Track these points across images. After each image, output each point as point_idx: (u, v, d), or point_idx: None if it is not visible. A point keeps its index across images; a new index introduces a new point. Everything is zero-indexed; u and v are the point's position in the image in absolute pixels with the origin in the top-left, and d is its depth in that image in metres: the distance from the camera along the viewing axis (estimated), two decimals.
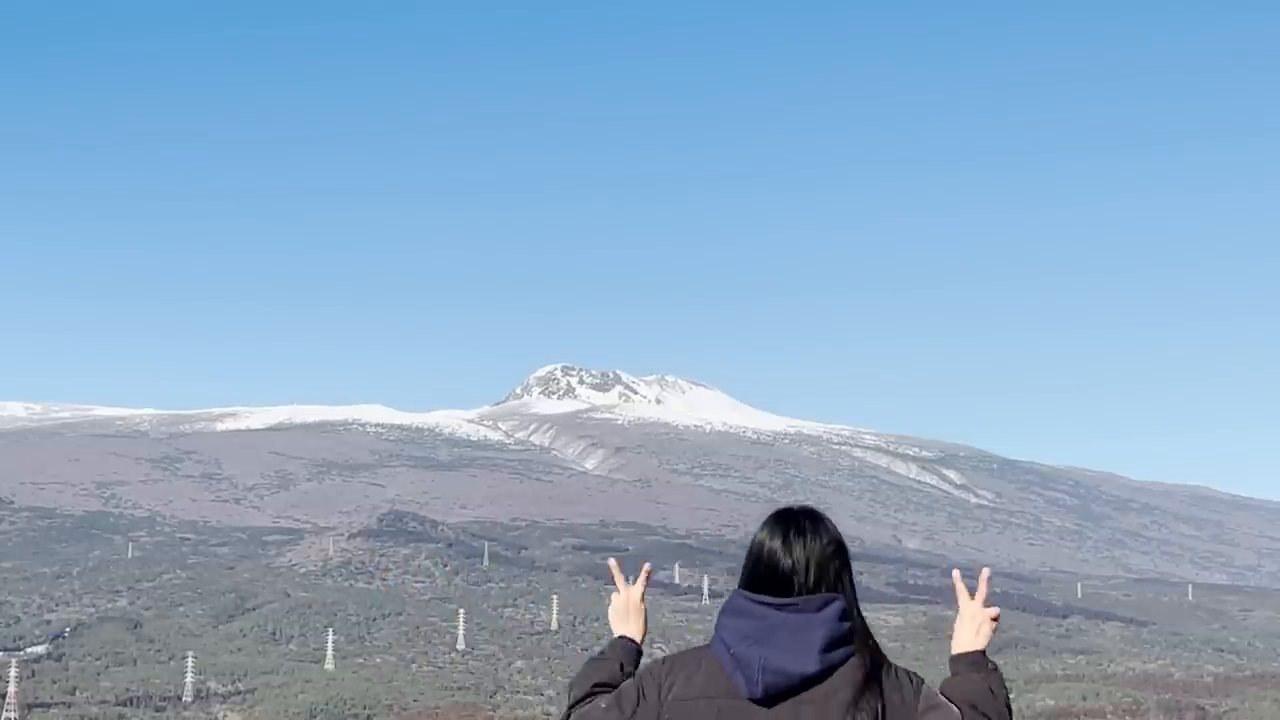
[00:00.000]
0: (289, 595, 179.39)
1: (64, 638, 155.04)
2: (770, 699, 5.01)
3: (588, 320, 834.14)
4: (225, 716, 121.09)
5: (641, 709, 5.23)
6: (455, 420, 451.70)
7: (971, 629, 5.38)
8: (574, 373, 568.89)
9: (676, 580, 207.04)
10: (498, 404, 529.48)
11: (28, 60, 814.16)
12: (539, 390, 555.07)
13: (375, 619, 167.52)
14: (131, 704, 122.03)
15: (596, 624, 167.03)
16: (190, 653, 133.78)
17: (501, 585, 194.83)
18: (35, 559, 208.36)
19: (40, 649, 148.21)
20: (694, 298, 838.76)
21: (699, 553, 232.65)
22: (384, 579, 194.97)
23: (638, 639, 5.86)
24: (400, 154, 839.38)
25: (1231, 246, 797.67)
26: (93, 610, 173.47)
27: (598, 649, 5.90)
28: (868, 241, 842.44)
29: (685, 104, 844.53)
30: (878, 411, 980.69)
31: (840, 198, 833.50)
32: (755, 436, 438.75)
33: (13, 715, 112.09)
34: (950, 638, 5.44)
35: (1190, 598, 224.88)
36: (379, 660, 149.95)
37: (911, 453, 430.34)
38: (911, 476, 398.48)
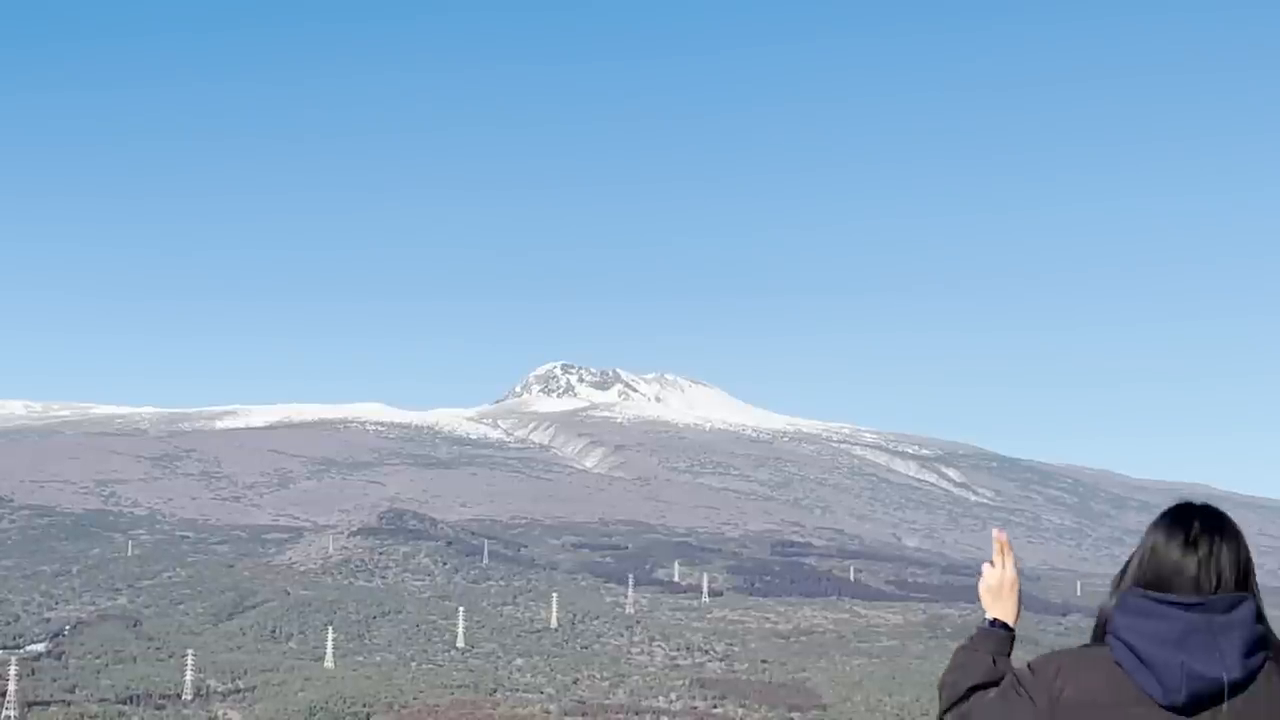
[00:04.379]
0: (289, 593, 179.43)
1: (64, 636, 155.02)
2: (1191, 706, 4.64)
3: (587, 319, 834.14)
4: (225, 714, 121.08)
5: (1033, 715, 4.86)
6: (455, 418, 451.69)
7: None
8: (573, 371, 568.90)
9: (676, 578, 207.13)
10: (497, 402, 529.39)
11: (27, 60, 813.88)
12: (538, 388, 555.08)
13: (375, 617, 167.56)
14: (131, 702, 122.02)
15: (596, 622, 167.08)
16: (190, 651, 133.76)
17: (501, 583, 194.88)
18: (35, 557, 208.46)
19: (40, 647, 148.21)
20: (694, 297, 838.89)
21: (698, 551, 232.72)
22: (384, 577, 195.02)
23: (1010, 621, 5.38)
24: (399, 152, 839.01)
25: (1231, 245, 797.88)
26: (93, 608, 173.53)
27: (966, 636, 5.40)
28: (867, 240, 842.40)
29: (685, 103, 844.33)
30: (877, 409, 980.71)
31: (840, 197, 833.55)
32: (755, 435, 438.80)
33: (12, 713, 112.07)
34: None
35: None
36: (379, 658, 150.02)
37: (911, 451, 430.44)
38: (911, 474, 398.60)
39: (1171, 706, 4.66)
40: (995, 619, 5.37)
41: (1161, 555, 4.89)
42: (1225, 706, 4.65)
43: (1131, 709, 4.70)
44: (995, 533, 5.51)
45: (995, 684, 5.09)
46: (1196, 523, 4.91)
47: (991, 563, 5.48)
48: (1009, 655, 5.30)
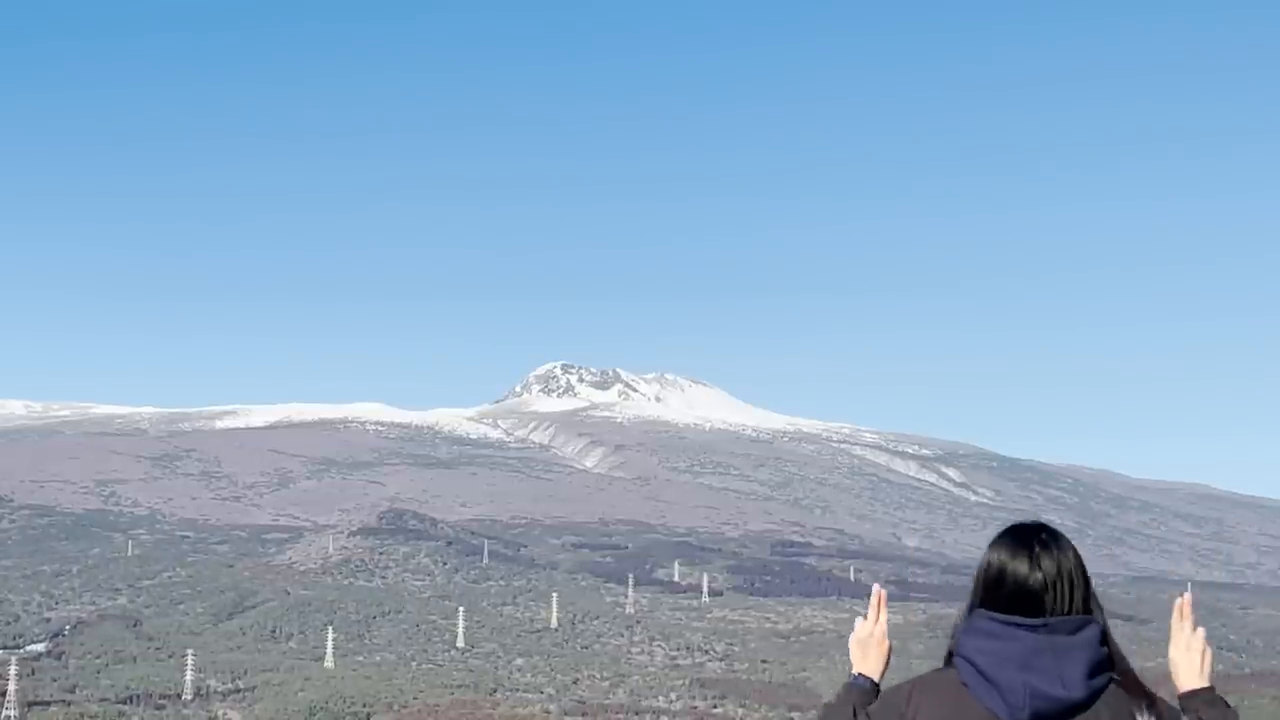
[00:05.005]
0: (289, 593, 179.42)
1: (64, 635, 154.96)
2: None
3: (587, 318, 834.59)
4: (225, 714, 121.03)
5: None
6: (455, 418, 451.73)
7: (1195, 663, 5.10)
8: (574, 371, 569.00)
9: (676, 578, 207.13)
10: (497, 402, 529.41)
11: (27, 59, 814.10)
12: (539, 388, 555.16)
13: (375, 617, 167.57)
14: (131, 702, 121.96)
15: (596, 622, 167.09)
16: (190, 650, 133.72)
17: (501, 583, 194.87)
18: (35, 557, 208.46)
19: (40, 647, 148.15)
20: (694, 296, 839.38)
21: (698, 551, 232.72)
22: (384, 577, 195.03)
23: (876, 677, 5.40)
24: (400, 152, 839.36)
25: (1231, 245, 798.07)
26: (92, 608, 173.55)
27: (832, 693, 5.52)
28: (867, 240, 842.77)
29: (685, 103, 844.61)
30: (877, 409, 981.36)
31: (840, 197, 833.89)
32: (755, 434, 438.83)
33: (12, 713, 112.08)
34: (1169, 669, 5.10)
35: (1190, 596, 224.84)
36: (379, 658, 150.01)
37: (911, 450, 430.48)
38: (911, 474, 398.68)
39: None
40: (860, 674, 5.41)
41: (1007, 576, 4.93)
42: None
43: None
44: (875, 589, 5.55)
45: None
46: (1037, 542, 4.97)
47: (864, 616, 5.51)
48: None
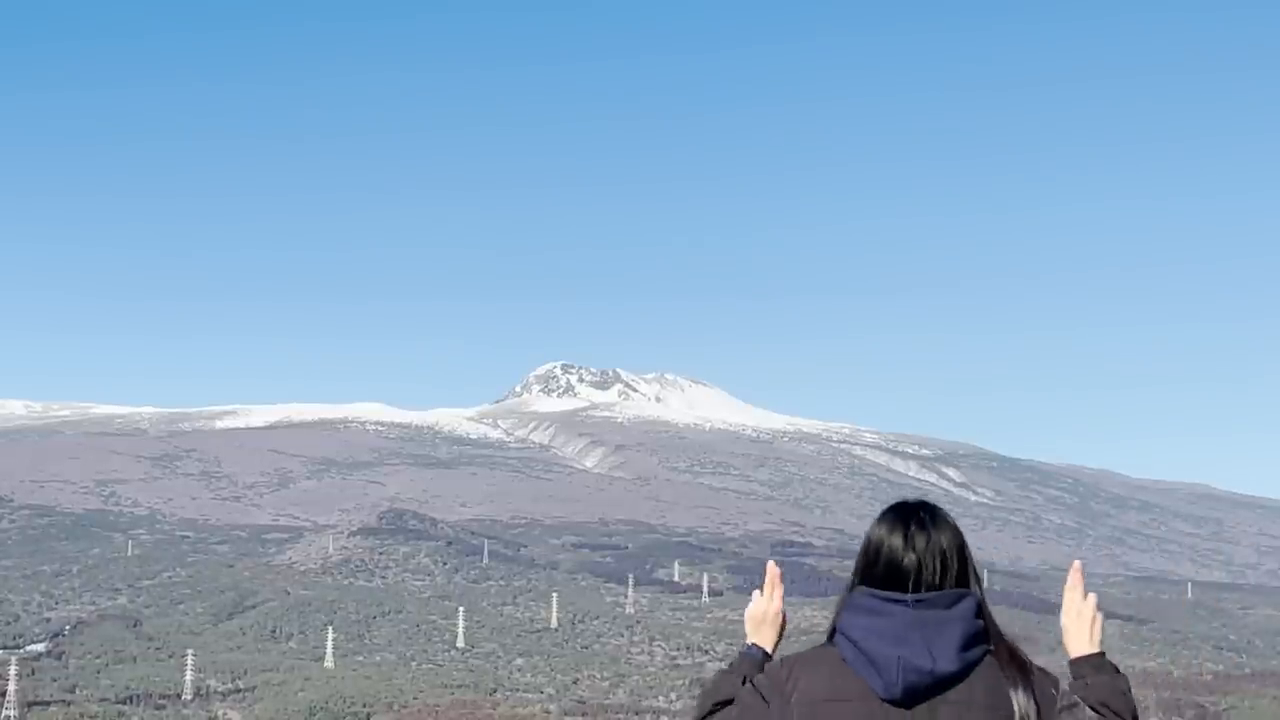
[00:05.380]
0: (289, 593, 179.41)
1: (64, 635, 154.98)
2: (908, 699, 4.82)
3: (587, 318, 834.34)
4: (225, 714, 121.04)
5: (765, 716, 5.00)
6: (455, 418, 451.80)
7: (1085, 629, 5.28)
8: (574, 371, 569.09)
9: (676, 578, 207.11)
10: (497, 402, 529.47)
11: (27, 59, 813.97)
12: (539, 388, 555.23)
13: (375, 617, 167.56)
14: (131, 702, 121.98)
15: (596, 622, 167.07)
16: (190, 650, 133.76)
17: (501, 583, 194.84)
18: (35, 557, 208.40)
19: (40, 647, 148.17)
20: (694, 296, 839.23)
21: (698, 551, 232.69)
22: (384, 577, 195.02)
23: (769, 648, 5.51)
24: (399, 152, 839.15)
25: (1231, 245, 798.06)
26: (92, 608, 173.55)
27: (727, 661, 5.63)
28: (867, 240, 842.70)
29: (684, 103, 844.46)
30: (877, 409, 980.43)
31: (840, 197, 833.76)
32: (755, 434, 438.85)
33: (12, 713, 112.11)
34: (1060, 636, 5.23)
35: (1190, 595, 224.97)
36: (379, 658, 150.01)
37: (911, 451, 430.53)
38: (911, 474, 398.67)
39: (891, 700, 4.80)
40: (754, 644, 5.49)
41: (884, 552, 5.01)
42: (938, 699, 4.79)
43: (855, 703, 4.84)
44: (769, 565, 5.63)
45: None
46: (914, 519, 5.04)
47: (761, 590, 5.58)
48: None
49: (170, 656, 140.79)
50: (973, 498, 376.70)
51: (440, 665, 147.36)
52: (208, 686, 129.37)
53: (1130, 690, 5.14)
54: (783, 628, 5.56)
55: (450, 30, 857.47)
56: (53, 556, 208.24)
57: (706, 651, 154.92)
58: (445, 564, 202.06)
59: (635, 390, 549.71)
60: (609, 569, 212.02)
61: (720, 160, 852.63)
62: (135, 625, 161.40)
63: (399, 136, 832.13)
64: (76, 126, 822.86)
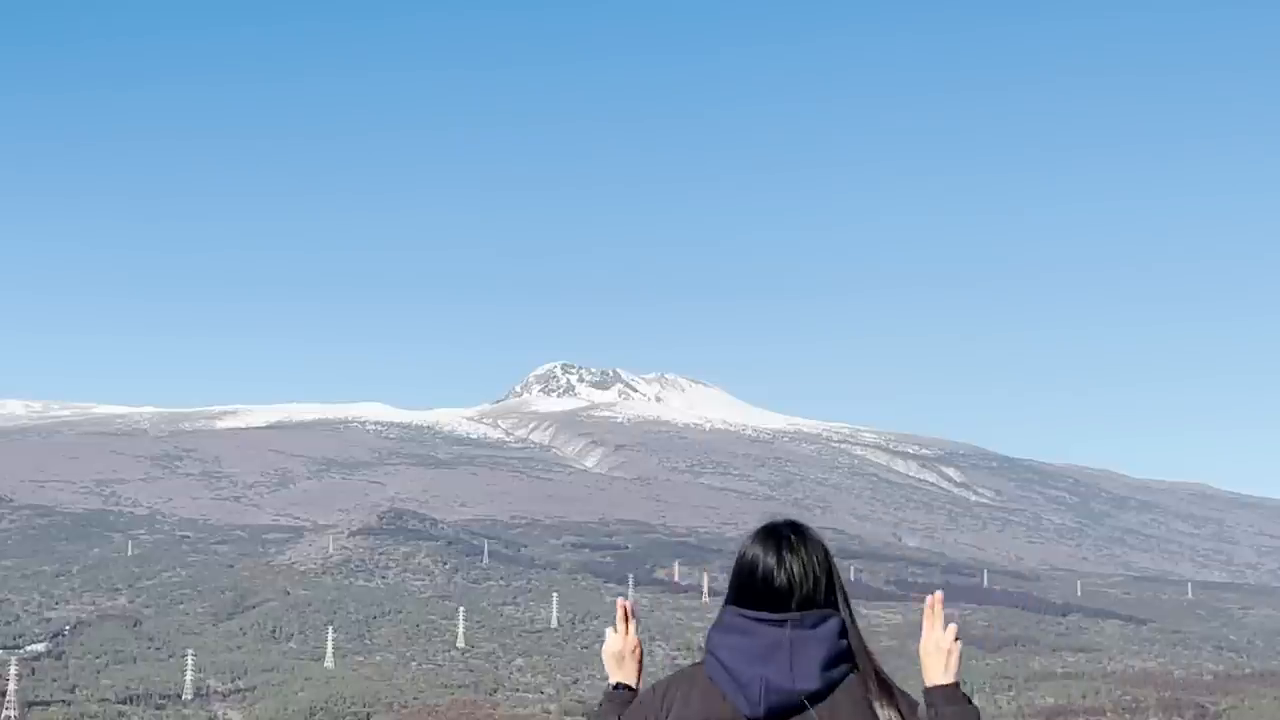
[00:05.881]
0: (289, 593, 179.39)
1: (64, 635, 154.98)
2: (771, 718, 4.91)
3: (588, 318, 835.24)
4: (225, 714, 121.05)
5: None
6: (455, 418, 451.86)
7: (941, 660, 5.33)
8: (574, 371, 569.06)
9: (676, 578, 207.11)
10: (498, 402, 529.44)
11: (26, 58, 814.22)
12: (539, 388, 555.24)
13: (375, 617, 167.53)
14: (131, 702, 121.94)
15: (596, 622, 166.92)
16: (190, 650, 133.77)
17: (501, 583, 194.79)
18: (35, 557, 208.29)
19: (40, 647, 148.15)
20: (694, 297, 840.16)
21: (698, 551, 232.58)
22: (384, 577, 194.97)
23: (633, 684, 5.65)
24: (400, 152, 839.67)
25: (1231, 244, 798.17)
26: (92, 608, 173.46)
27: (596, 702, 5.70)
28: (867, 240, 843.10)
29: (684, 103, 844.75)
30: (877, 409, 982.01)
31: (840, 196, 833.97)
32: (755, 434, 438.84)
33: (13, 713, 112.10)
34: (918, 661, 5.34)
35: (1190, 595, 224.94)
36: (379, 658, 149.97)
37: (911, 450, 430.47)
38: (911, 474, 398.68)
39: (756, 719, 4.90)
40: (619, 683, 5.62)
41: (758, 573, 5.10)
42: (801, 717, 4.89)
43: None
44: (619, 602, 5.83)
45: None
46: (785, 541, 5.14)
47: (614, 629, 5.73)
48: None
49: (170, 656, 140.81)
50: (973, 498, 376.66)
51: (440, 665, 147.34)
52: (208, 686, 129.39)
53: None
54: (641, 659, 5.68)
55: (451, 30, 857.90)
56: (53, 556, 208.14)
57: None
58: (445, 564, 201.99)
59: (635, 390, 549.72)
60: (609, 569, 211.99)
61: (720, 160, 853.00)
62: (135, 625, 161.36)
63: (399, 137, 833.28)
64: (76, 126, 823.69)
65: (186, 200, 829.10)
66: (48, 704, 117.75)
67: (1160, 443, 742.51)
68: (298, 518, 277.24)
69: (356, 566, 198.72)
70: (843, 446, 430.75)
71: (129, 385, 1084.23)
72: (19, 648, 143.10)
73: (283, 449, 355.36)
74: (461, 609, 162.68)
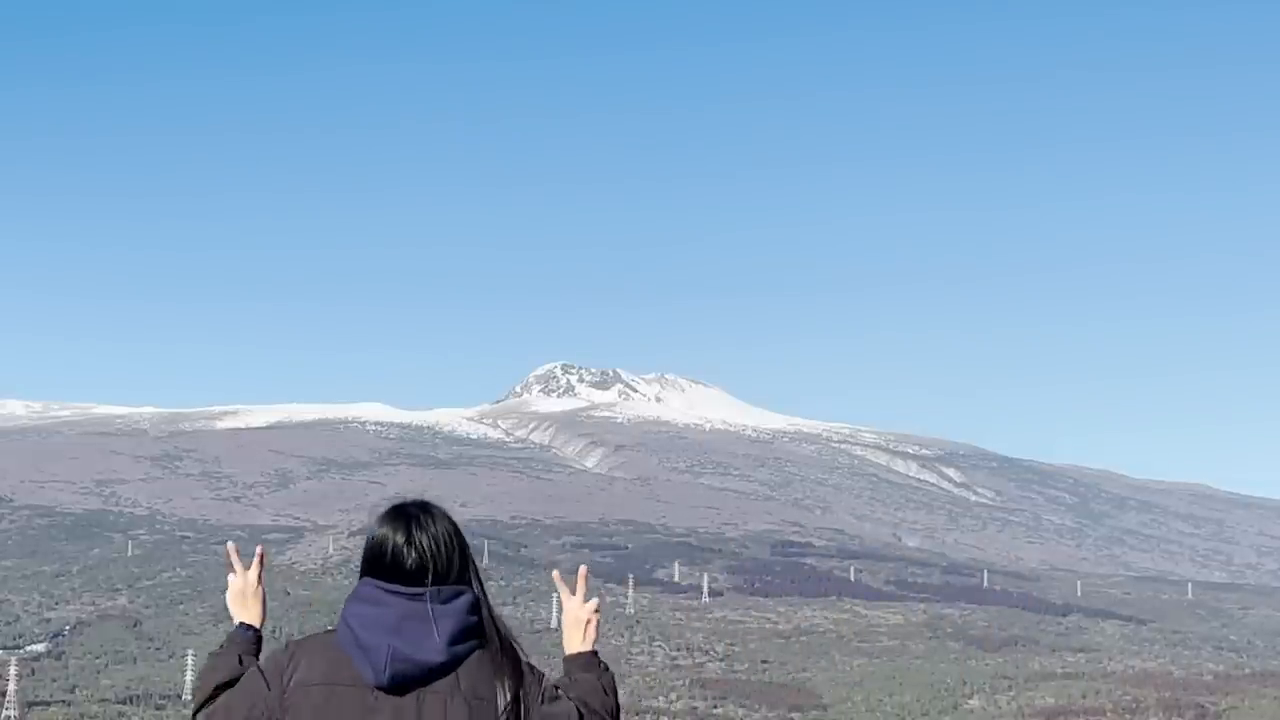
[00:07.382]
0: (289, 593, 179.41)
1: (64, 636, 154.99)
2: (396, 688, 5.01)
3: (588, 318, 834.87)
4: None
5: (266, 699, 5.18)
6: (455, 418, 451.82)
7: (579, 631, 5.57)
8: (574, 371, 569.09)
9: (676, 578, 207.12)
10: (497, 402, 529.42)
11: (26, 56, 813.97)
12: (539, 388, 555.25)
13: None
14: (131, 702, 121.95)
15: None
16: (190, 651, 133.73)
17: (501, 583, 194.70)
18: (35, 557, 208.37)
19: (40, 647, 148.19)
20: (694, 297, 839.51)
21: (699, 551, 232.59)
22: None
23: (257, 625, 5.85)
24: (399, 151, 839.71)
25: (1231, 243, 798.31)
26: (92, 608, 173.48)
27: (219, 644, 5.88)
28: (867, 239, 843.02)
29: (684, 101, 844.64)
30: (877, 409, 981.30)
31: (840, 195, 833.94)
32: (755, 435, 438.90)
33: (12, 713, 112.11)
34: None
35: (1190, 596, 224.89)
36: None
37: (911, 451, 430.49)
38: (911, 474, 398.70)
39: (381, 687, 4.98)
40: (243, 622, 5.86)
41: (388, 550, 5.28)
42: (426, 688, 5.02)
43: (348, 689, 5.03)
44: (229, 546, 6.04)
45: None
46: (411, 518, 5.34)
47: (234, 571, 6.01)
48: (257, 655, 5.69)
49: (170, 656, 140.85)
50: (973, 498, 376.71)
51: None
52: None
53: (614, 689, 5.43)
54: (264, 604, 5.93)
55: (449, 25, 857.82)
56: (53, 557, 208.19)
57: (707, 652, 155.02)
58: None
59: (635, 390, 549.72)
60: (609, 569, 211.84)
61: (720, 159, 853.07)
62: (135, 625, 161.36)
63: (399, 135, 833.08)
64: (76, 125, 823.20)
65: (186, 200, 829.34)
66: (48, 704, 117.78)
67: (1160, 443, 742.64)
68: (298, 518, 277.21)
69: (357, 567, 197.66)
70: (843, 446, 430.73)
71: (129, 385, 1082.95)
72: (19, 648, 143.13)
73: (283, 449, 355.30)
74: None
